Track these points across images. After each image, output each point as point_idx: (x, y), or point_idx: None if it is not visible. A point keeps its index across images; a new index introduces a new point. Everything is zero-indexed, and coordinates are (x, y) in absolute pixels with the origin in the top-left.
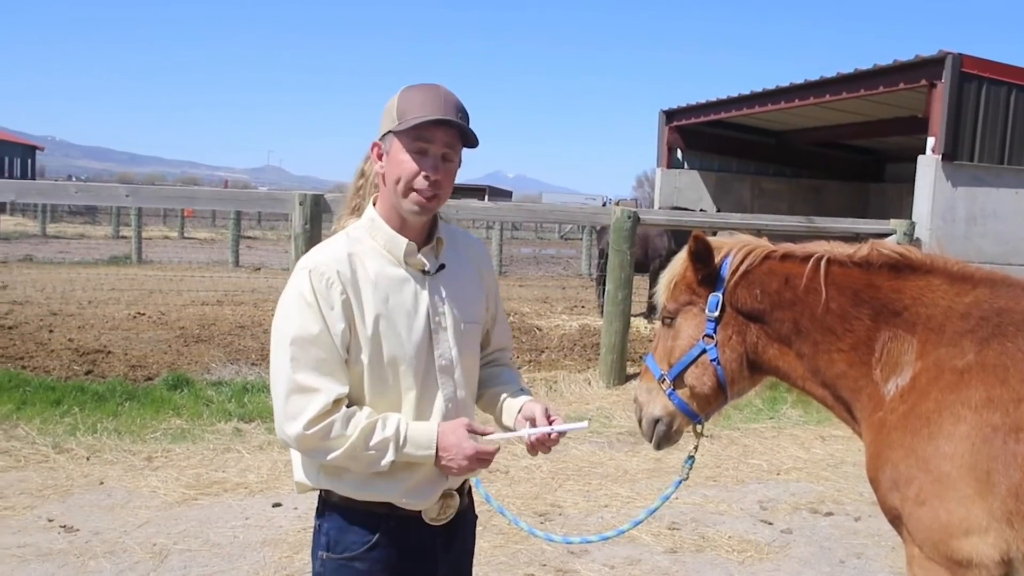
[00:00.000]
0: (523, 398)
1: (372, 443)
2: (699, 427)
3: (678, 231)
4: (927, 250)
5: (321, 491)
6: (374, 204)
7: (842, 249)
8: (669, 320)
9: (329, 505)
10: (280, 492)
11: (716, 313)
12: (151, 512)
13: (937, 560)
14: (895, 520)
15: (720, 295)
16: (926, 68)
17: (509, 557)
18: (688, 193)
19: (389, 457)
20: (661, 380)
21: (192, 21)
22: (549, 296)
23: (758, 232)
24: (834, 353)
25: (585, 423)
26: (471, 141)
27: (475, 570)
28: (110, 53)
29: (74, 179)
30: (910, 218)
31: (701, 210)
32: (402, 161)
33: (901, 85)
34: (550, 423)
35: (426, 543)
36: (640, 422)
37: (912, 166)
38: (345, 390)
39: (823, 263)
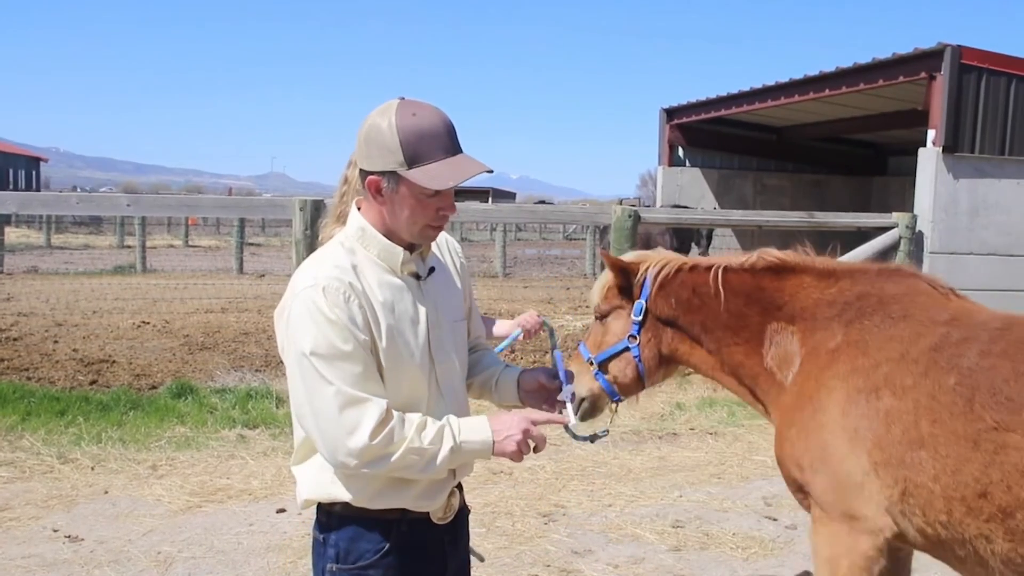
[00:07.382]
0: (515, 372)
1: (427, 441)
2: (615, 405)
3: (680, 229)
4: (803, 253)
5: (324, 504)
6: (358, 209)
7: (737, 259)
8: (601, 318)
9: (336, 517)
10: (284, 498)
11: (639, 318)
12: (156, 520)
13: (837, 520)
14: (799, 492)
15: (644, 303)
16: (925, 60)
17: (513, 558)
18: (690, 191)
19: (444, 463)
20: (589, 363)
21: (193, 29)
22: (553, 297)
23: (759, 228)
24: (732, 347)
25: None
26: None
27: (481, 571)
28: (113, 63)
29: (78, 190)
30: (912, 211)
31: (701, 208)
32: (415, 205)
33: (900, 78)
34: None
35: (435, 543)
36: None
37: (915, 159)
38: (386, 399)
39: (720, 271)
